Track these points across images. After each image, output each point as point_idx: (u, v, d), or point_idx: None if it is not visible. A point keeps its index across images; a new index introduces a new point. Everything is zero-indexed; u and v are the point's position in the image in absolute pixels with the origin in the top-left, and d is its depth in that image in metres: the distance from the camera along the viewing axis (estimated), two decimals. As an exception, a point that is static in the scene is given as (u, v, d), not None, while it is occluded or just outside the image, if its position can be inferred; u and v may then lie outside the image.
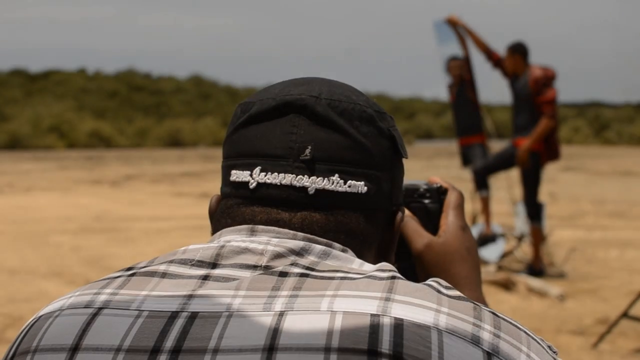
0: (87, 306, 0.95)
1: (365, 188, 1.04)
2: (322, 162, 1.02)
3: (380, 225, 1.09)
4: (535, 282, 7.91)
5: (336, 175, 1.02)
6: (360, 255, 1.04)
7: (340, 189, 1.02)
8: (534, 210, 8.69)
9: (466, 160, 9.94)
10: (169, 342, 0.88)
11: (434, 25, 9.87)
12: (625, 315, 5.95)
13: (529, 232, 8.86)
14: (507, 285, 7.87)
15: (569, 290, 7.91)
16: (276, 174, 1.02)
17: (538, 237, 8.68)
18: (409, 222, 1.28)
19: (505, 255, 9.31)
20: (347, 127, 1.03)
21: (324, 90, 1.06)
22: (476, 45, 9.22)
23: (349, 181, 1.03)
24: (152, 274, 0.98)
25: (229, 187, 1.07)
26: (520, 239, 9.42)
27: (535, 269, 8.57)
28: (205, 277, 0.95)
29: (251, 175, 1.03)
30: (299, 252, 0.98)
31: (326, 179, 1.01)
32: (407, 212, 1.29)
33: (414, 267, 1.28)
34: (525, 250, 9.53)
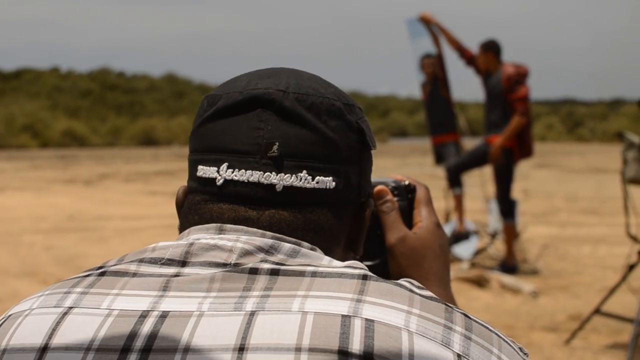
0: (57, 305, 0.94)
1: (334, 183, 1.03)
2: (289, 158, 1.00)
3: (349, 217, 1.09)
4: (509, 279, 7.94)
5: (304, 171, 1.01)
6: (329, 251, 1.04)
7: (308, 185, 1.01)
8: (507, 207, 8.71)
9: (439, 158, 9.95)
10: (140, 341, 0.87)
11: (407, 23, 9.87)
12: (597, 311, 5.98)
13: (502, 229, 8.88)
14: (480, 282, 7.89)
15: (542, 286, 7.95)
16: (243, 170, 1.01)
17: (511, 234, 8.70)
18: (390, 214, 1.27)
19: (478, 252, 9.34)
20: (315, 122, 1.02)
21: (292, 83, 1.04)
22: (449, 43, 9.23)
23: (317, 177, 1.02)
24: (123, 273, 0.97)
25: (196, 182, 1.05)
26: (493, 236, 9.45)
27: (509, 265, 8.60)
28: (176, 275, 0.95)
29: (218, 171, 1.02)
30: (268, 251, 0.97)
31: (294, 175, 1.00)
32: (394, 204, 1.28)
33: (386, 262, 1.28)
34: (498, 247, 9.56)
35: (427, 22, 9.44)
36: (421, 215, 1.30)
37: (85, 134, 51.59)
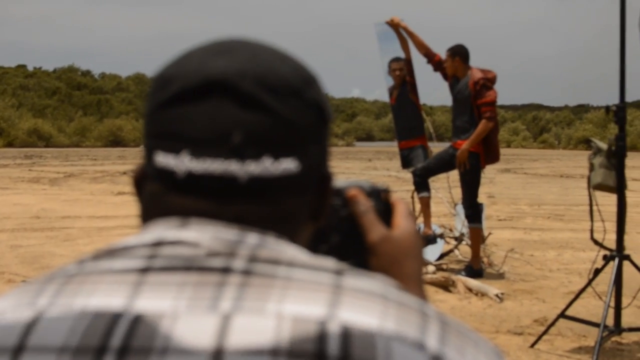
0: (30, 305, 0.92)
1: (298, 166, 1.00)
2: (251, 145, 0.97)
3: (312, 194, 1.06)
4: (474, 283, 7.97)
5: (267, 158, 0.98)
6: (296, 235, 1.03)
7: (271, 173, 0.98)
8: (473, 212, 8.75)
9: (407, 162, 9.96)
10: (115, 341, 0.85)
11: (375, 27, 9.88)
12: (563, 315, 6.01)
13: (468, 233, 8.92)
14: (446, 286, 7.93)
15: (508, 290, 7.99)
16: (205, 160, 0.97)
17: (477, 238, 8.74)
18: (367, 213, 1.26)
19: (444, 255, 9.37)
20: (274, 105, 0.99)
21: (249, 63, 1.01)
22: (417, 48, 9.24)
23: (281, 163, 0.99)
24: (94, 271, 0.95)
25: (154, 170, 1.01)
26: (459, 239, 9.49)
27: (474, 269, 8.63)
28: (146, 272, 0.93)
29: (178, 161, 0.98)
30: (234, 245, 0.95)
31: (257, 164, 0.97)
32: (367, 203, 1.27)
33: (365, 262, 1.27)
34: (464, 251, 9.59)
35: (395, 27, 9.43)
36: (401, 218, 1.29)
37: (51, 133, 51.22)
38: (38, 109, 56.28)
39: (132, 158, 34.75)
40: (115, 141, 52.23)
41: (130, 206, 15.28)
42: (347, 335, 0.84)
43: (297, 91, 1.02)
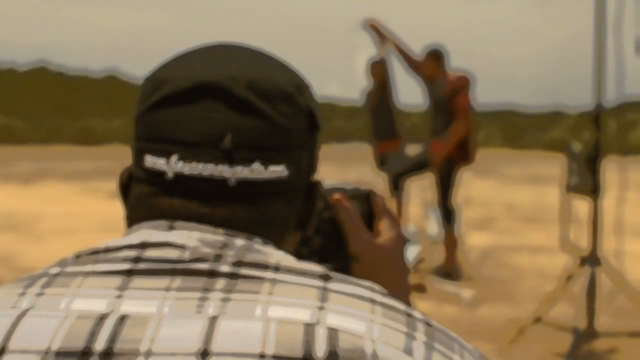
0: (13, 307, 0.91)
1: (287, 172, 1.02)
2: (242, 150, 0.98)
3: (300, 202, 1.08)
4: (448, 286, 7.99)
5: (257, 163, 0.99)
6: (282, 241, 1.03)
7: (261, 177, 0.99)
8: (448, 214, 8.77)
9: (382, 164, 9.99)
10: (100, 344, 0.85)
11: (353, 29, 9.87)
12: (536, 320, 6.02)
13: (442, 235, 8.93)
14: (419, 289, 7.93)
15: (481, 294, 8.00)
16: (194, 163, 0.98)
17: (451, 241, 8.77)
18: (351, 219, 1.25)
19: (418, 258, 9.37)
20: (266, 110, 1.00)
21: (242, 68, 1.02)
22: (394, 50, 9.25)
23: (270, 167, 1.00)
24: (77, 273, 0.94)
25: (143, 172, 1.02)
26: (433, 242, 9.50)
27: (448, 272, 8.65)
28: (131, 274, 0.92)
29: (167, 163, 0.99)
30: (221, 248, 0.95)
31: (247, 168, 0.98)
32: (351, 208, 1.26)
33: (347, 267, 1.25)
34: (438, 254, 9.61)
35: (373, 29, 9.44)
36: (385, 222, 1.29)
37: (22, 131, 51.03)
38: (9, 107, 56.05)
39: (104, 157, 34.66)
40: (88, 140, 52.08)
41: (102, 206, 15.25)
42: (334, 340, 0.85)
43: (289, 97, 1.02)
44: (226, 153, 0.98)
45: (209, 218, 0.98)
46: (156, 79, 1.04)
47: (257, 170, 0.98)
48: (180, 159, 0.98)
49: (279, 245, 1.02)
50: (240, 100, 0.99)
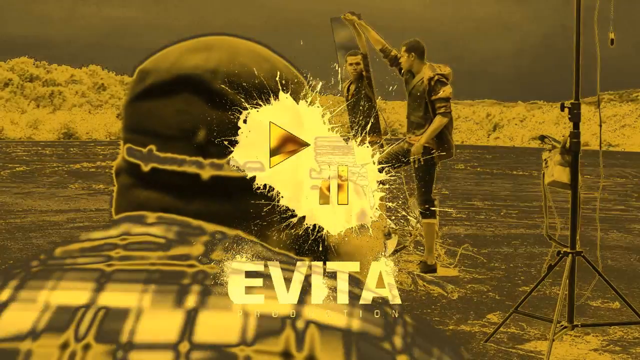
0: None
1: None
2: (216, 144, 0.97)
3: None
4: (428, 279, 8.00)
5: (231, 157, 0.98)
6: (260, 235, 1.02)
7: (235, 172, 0.98)
8: (428, 207, 8.78)
9: (361, 158, 9.98)
10: (79, 337, 0.85)
11: (331, 22, 9.88)
12: (516, 310, 6.06)
13: (423, 228, 8.95)
14: (399, 282, 7.94)
15: (461, 286, 8.04)
16: (169, 156, 0.97)
17: (431, 234, 8.78)
18: None
19: (398, 251, 9.39)
20: (243, 104, 0.98)
21: (224, 61, 1.01)
22: (373, 43, 9.26)
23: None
24: (57, 266, 0.94)
25: (124, 162, 1.02)
26: (413, 235, 9.51)
27: (428, 265, 8.67)
28: (111, 266, 0.92)
29: (144, 155, 0.99)
30: (195, 241, 0.95)
31: (220, 162, 0.97)
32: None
33: (324, 258, 1.27)
34: (418, 247, 9.63)
35: (351, 22, 9.44)
36: None
37: (2, 125, 50.75)
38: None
39: (85, 151, 34.52)
40: (68, 134, 51.85)
41: (82, 201, 15.21)
42: (312, 333, 0.84)
43: (268, 92, 1.00)
44: (200, 147, 0.97)
45: (185, 211, 0.98)
46: (143, 70, 1.04)
47: (230, 167, 0.98)
48: (156, 151, 0.98)
49: (258, 238, 1.00)
50: (217, 95, 0.98)
